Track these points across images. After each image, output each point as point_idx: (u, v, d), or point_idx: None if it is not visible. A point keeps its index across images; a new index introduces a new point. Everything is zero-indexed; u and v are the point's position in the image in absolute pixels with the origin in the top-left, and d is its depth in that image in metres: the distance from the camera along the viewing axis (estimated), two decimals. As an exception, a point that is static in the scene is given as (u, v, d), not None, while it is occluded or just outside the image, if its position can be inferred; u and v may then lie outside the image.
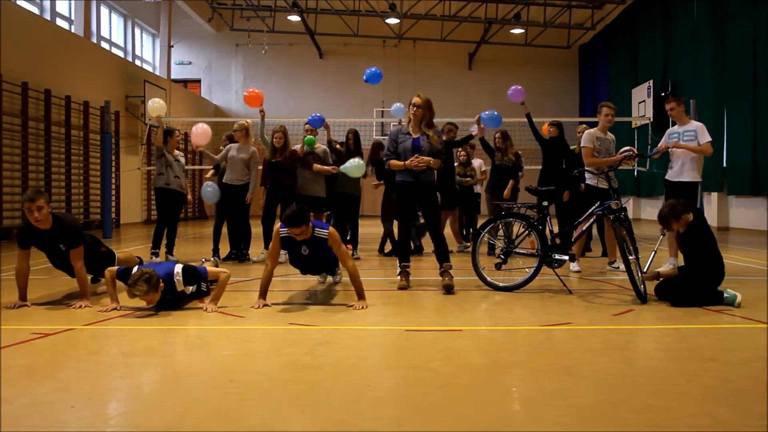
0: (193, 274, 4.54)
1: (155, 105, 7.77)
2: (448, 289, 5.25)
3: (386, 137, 10.12)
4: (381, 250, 8.64)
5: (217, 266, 5.78)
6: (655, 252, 5.77)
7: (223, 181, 7.54)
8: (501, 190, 8.29)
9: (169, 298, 4.52)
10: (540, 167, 8.07)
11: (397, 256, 5.90)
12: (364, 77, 8.03)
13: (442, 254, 5.51)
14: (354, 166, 7.03)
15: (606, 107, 6.82)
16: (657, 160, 11.98)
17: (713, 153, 6.84)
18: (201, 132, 7.66)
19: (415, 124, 5.53)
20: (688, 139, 6.46)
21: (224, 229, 7.77)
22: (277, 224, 4.82)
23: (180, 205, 7.61)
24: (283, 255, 6.89)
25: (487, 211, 8.62)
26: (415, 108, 5.49)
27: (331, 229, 4.76)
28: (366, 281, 4.90)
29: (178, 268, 4.50)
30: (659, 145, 6.75)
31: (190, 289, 4.63)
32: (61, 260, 4.87)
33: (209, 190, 7.39)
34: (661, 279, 4.85)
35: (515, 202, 7.77)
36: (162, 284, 4.32)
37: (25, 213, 4.44)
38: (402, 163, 5.47)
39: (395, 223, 8.76)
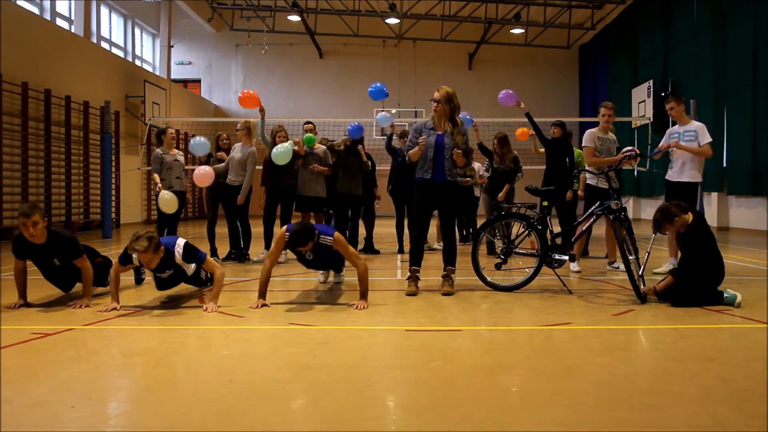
0: (193, 251, 4.66)
1: (166, 198, 6.57)
2: (447, 295, 5.19)
3: (384, 137, 10.11)
4: (371, 249, 8.68)
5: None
6: (648, 254, 5.74)
7: (226, 181, 7.54)
8: (498, 192, 8.40)
9: (169, 272, 4.64)
10: (541, 167, 8.08)
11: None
12: (371, 92, 7.63)
13: (449, 257, 5.40)
14: (281, 151, 6.77)
15: (603, 107, 6.81)
16: (657, 161, 11.98)
17: (713, 153, 6.82)
18: (202, 174, 6.78)
19: (438, 119, 5.33)
20: (688, 139, 6.43)
21: (225, 229, 7.77)
22: (283, 228, 4.81)
23: (182, 206, 7.59)
24: (283, 255, 6.90)
25: (485, 211, 8.67)
26: (434, 104, 5.30)
27: (336, 234, 4.72)
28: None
29: (181, 241, 4.65)
30: (660, 145, 6.74)
31: (192, 268, 4.72)
32: (55, 275, 4.88)
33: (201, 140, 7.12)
34: (658, 291, 4.80)
35: (511, 203, 7.80)
36: (162, 248, 4.45)
37: (21, 227, 4.45)
38: (417, 149, 5.22)
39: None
